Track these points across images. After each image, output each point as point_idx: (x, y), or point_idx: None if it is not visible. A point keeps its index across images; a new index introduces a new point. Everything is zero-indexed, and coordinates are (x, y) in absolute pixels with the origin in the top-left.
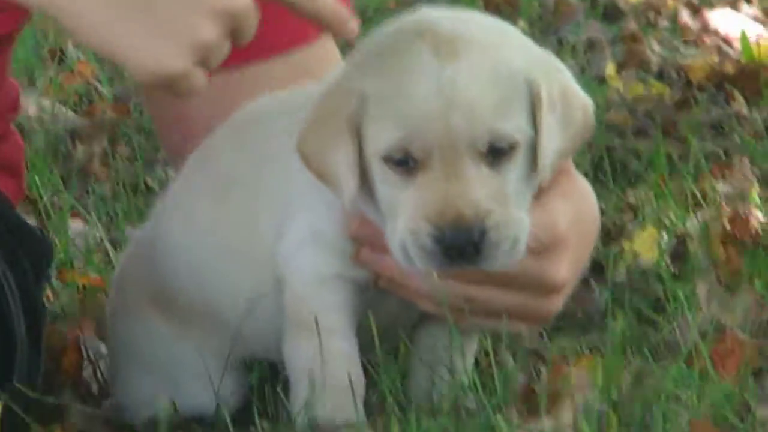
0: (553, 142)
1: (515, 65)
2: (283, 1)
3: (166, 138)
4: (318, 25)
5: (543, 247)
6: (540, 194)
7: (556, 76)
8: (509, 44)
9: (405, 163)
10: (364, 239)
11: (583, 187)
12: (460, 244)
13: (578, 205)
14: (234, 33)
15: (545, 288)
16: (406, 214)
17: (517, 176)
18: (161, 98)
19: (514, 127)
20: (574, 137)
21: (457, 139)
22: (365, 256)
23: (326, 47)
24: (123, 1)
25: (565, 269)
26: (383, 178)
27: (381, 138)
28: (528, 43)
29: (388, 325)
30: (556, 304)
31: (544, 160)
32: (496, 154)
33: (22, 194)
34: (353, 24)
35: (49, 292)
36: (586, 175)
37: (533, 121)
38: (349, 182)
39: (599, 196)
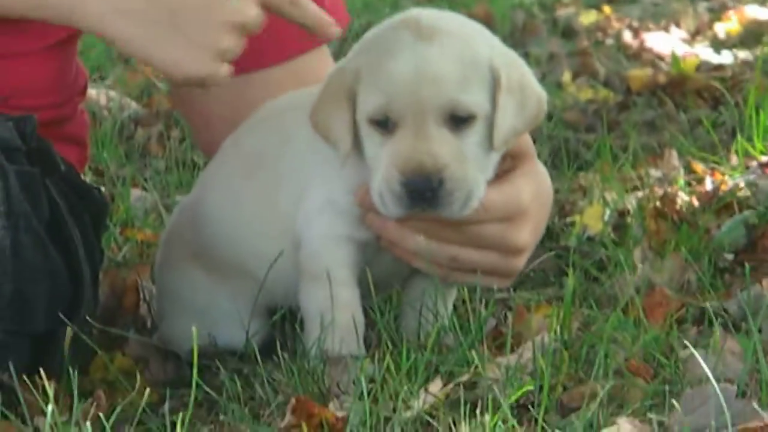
0: (507, 119)
1: (481, 54)
2: (275, 10)
3: (193, 129)
4: (305, 29)
5: (510, 216)
6: (507, 174)
7: (516, 69)
8: (479, 38)
9: (385, 124)
10: (369, 206)
11: (541, 170)
12: (421, 188)
13: (537, 184)
14: (246, 35)
15: (511, 249)
16: (383, 167)
17: (474, 142)
18: (186, 99)
19: (473, 101)
20: (527, 119)
21: (425, 106)
22: (371, 220)
23: (320, 56)
24: (154, 22)
25: (527, 234)
26: (369, 136)
27: (367, 103)
28: (497, 41)
29: (385, 277)
30: (520, 262)
31: (498, 133)
32: (457, 121)
33: (86, 161)
34: (334, 28)
35: (113, 244)
36: (545, 162)
37: (493, 101)
38: (345, 139)
39: (556, 180)
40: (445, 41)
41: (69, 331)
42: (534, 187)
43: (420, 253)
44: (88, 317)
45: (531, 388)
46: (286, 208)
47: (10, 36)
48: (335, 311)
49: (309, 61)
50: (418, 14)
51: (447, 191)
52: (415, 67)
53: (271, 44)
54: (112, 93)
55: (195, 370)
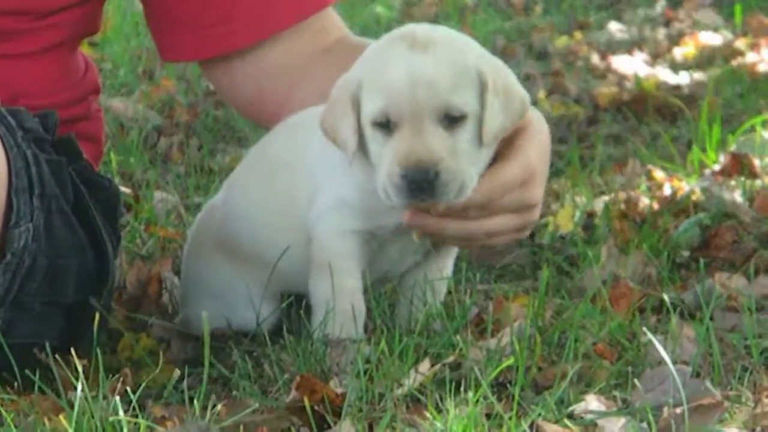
0: (495, 117)
1: (470, 60)
2: None
3: (221, 90)
4: None
5: (525, 181)
6: (515, 144)
7: (501, 73)
8: (467, 47)
9: (386, 125)
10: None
11: (538, 121)
12: (420, 180)
13: (539, 143)
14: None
15: (530, 206)
16: (386, 163)
17: (466, 139)
18: (212, 68)
19: (464, 102)
20: (512, 116)
21: (422, 108)
22: (411, 217)
23: (328, 13)
24: None
25: (539, 190)
26: (373, 138)
27: (370, 108)
28: (483, 50)
29: (387, 271)
30: (536, 215)
31: (487, 129)
32: (450, 120)
33: (101, 155)
34: None
35: (138, 240)
36: None
37: (482, 102)
38: (351, 142)
39: None
40: (437, 50)
41: (97, 312)
42: (538, 147)
43: (459, 235)
44: (112, 301)
45: (510, 363)
46: (301, 207)
47: (3, 40)
48: (338, 299)
49: (318, 18)
50: (413, 28)
51: (443, 182)
52: (412, 73)
53: (284, 9)
54: (138, 106)
55: (207, 350)
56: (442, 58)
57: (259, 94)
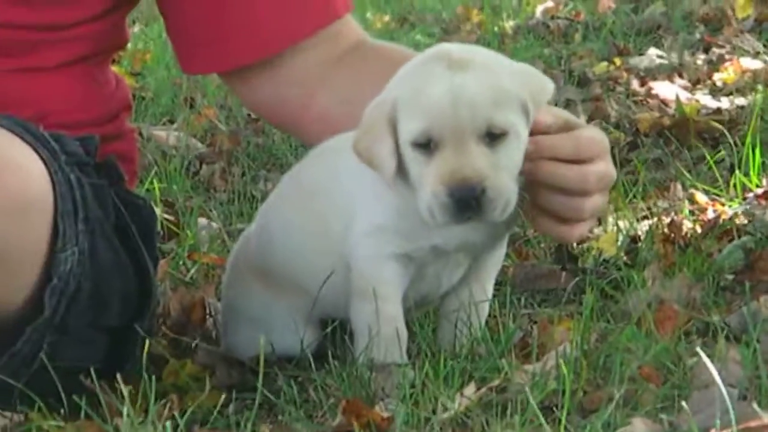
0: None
1: (505, 78)
2: None
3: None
4: None
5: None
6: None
7: (534, 85)
8: (501, 65)
9: (427, 146)
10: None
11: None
12: (467, 197)
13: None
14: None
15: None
16: (429, 183)
17: (507, 156)
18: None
19: (505, 119)
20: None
21: (464, 127)
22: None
23: (345, 22)
24: None
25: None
26: (413, 159)
27: (410, 129)
28: (514, 63)
29: (426, 294)
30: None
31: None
32: (491, 138)
33: (135, 176)
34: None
35: (182, 266)
36: None
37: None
38: (390, 164)
39: None
40: (476, 69)
41: (143, 337)
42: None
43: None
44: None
45: (555, 387)
46: (337, 233)
47: (25, 54)
48: (381, 324)
49: (334, 24)
50: (447, 48)
51: (489, 199)
52: (453, 93)
53: (300, 21)
54: (180, 134)
55: (261, 376)
56: (480, 78)
57: (279, 99)
